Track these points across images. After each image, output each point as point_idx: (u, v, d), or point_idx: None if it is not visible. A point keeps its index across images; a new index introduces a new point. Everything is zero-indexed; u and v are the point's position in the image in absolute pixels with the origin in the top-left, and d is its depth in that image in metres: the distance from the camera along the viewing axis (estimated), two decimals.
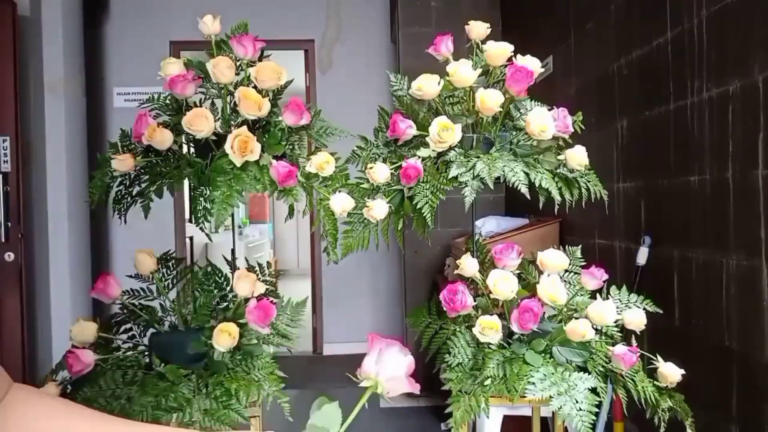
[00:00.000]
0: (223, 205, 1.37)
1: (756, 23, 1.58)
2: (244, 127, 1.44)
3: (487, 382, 1.39)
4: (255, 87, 1.48)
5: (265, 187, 1.45)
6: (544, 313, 1.46)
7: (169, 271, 1.61)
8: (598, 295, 1.52)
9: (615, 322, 1.48)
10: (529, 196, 1.44)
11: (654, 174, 2.13)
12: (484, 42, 1.58)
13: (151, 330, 1.54)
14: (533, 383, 1.37)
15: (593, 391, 1.37)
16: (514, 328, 1.44)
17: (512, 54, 1.54)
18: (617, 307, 1.50)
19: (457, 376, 1.44)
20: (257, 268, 1.70)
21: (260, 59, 1.56)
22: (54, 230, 3.90)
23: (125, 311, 1.56)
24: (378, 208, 1.47)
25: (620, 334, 1.52)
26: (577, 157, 1.51)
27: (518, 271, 1.56)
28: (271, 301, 1.50)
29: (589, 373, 1.40)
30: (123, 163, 1.48)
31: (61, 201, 3.91)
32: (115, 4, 4.66)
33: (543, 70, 1.66)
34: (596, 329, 1.47)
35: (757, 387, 1.60)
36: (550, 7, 3.15)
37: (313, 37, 4.81)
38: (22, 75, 3.65)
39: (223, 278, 1.64)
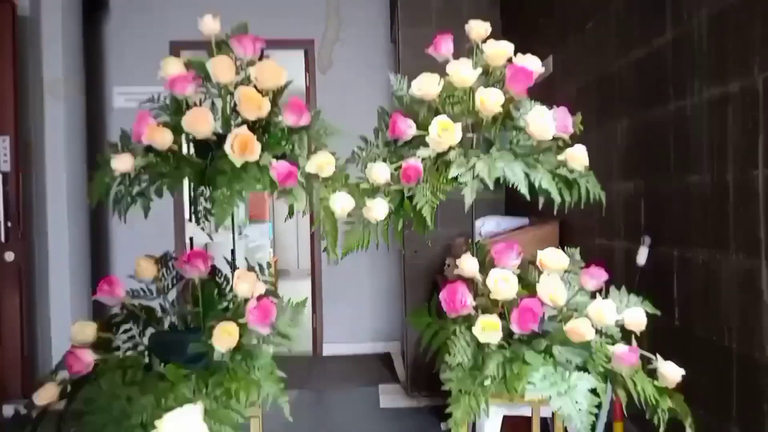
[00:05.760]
0: (223, 205, 1.37)
1: (756, 23, 1.58)
2: (244, 127, 1.44)
3: (487, 382, 1.39)
4: (255, 87, 1.48)
5: (265, 187, 1.45)
6: (544, 313, 1.46)
7: (168, 271, 1.61)
8: (598, 295, 1.52)
9: (615, 322, 1.48)
10: (528, 197, 1.44)
11: (654, 174, 2.13)
12: (484, 42, 1.58)
13: (151, 330, 1.54)
14: (533, 383, 1.37)
15: (593, 391, 1.37)
16: (514, 328, 1.44)
17: (512, 54, 1.54)
18: (617, 308, 1.50)
19: (457, 376, 1.44)
20: (257, 268, 1.70)
21: (260, 59, 1.56)
22: (54, 230, 3.90)
23: (125, 311, 1.56)
24: (378, 209, 1.47)
25: (620, 334, 1.52)
26: (578, 157, 1.51)
27: (518, 271, 1.56)
28: (271, 301, 1.50)
29: (589, 373, 1.40)
30: (123, 163, 1.48)
31: (61, 201, 3.91)
32: (115, 4, 4.66)
33: (543, 70, 1.66)
34: (596, 329, 1.47)
35: (757, 387, 1.60)
36: (550, 7, 3.15)
37: (313, 37, 4.81)
38: (21, 75, 3.65)
39: (223, 278, 1.64)
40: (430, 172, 1.51)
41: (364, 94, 4.55)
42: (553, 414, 1.50)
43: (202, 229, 1.59)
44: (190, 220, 5.12)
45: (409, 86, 1.58)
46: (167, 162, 1.48)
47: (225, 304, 1.56)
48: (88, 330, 1.45)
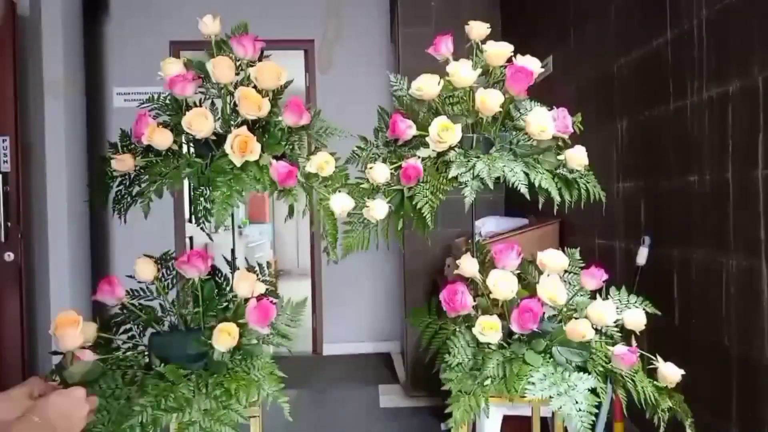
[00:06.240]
0: (223, 205, 1.37)
1: (756, 23, 1.58)
2: (244, 127, 1.44)
3: (487, 382, 1.39)
4: (255, 87, 1.48)
5: (265, 187, 1.45)
6: (544, 313, 1.46)
7: (168, 271, 1.61)
8: (597, 295, 1.52)
9: (615, 322, 1.48)
10: (528, 197, 1.44)
11: (654, 174, 2.13)
12: (484, 42, 1.58)
13: (151, 330, 1.54)
14: (533, 383, 1.37)
15: (593, 391, 1.37)
16: (514, 328, 1.44)
17: (512, 54, 1.54)
18: (617, 308, 1.50)
19: (457, 376, 1.44)
20: (257, 268, 1.70)
21: (260, 59, 1.56)
22: (54, 230, 3.89)
23: (125, 311, 1.56)
24: (378, 208, 1.47)
25: (620, 334, 1.52)
26: (577, 157, 1.51)
27: (518, 271, 1.56)
28: (271, 301, 1.50)
29: (589, 373, 1.40)
30: (123, 163, 1.48)
31: (61, 201, 3.91)
32: (115, 4, 4.66)
33: (543, 70, 1.66)
34: (596, 329, 1.47)
35: (757, 387, 1.60)
36: (550, 7, 3.15)
37: (313, 37, 4.81)
38: (21, 75, 3.64)
39: (223, 278, 1.64)
40: (430, 172, 1.51)
41: (364, 94, 4.55)
42: (553, 414, 1.50)
43: (202, 229, 1.57)
44: (190, 220, 5.12)
45: (408, 86, 1.58)
46: (167, 162, 1.48)
47: (225, 304, 1.56)
48: (88, 330, 1.45)
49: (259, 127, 1.52)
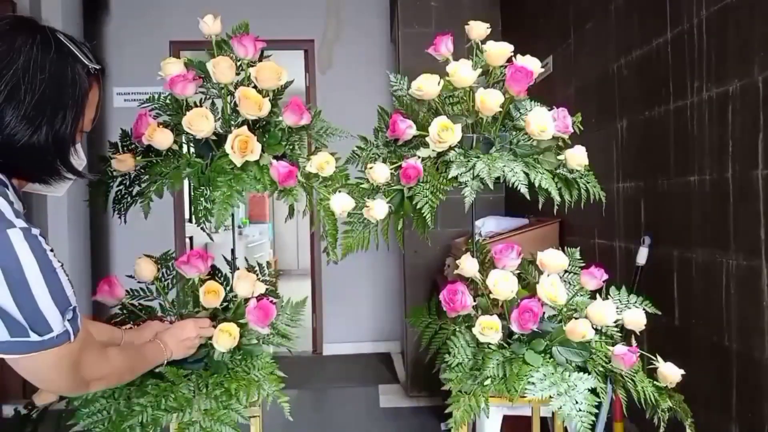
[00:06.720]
0: (224, 205, 1.37)
1: (756, 23, 1.58)
2: (244, 127, 1.44)
3: (487, 382, 1.40)
4: (255, 87, 1.48)
5: (265, 187, 1.45)
6: (544, 313, 1.46)
7: (168, 271, 1.61)
8: (597, 295, 1.52)
9: (615, 322, 1.48)
10: (528, 197, 1.44)
11: (654, 174, 2.13)
12: (484, 42, 1.58)
13: None
14: (533, 383, 1.37)
15: (593, 391, 1.37)
16: (514, 328, 1.44)
17: (512, 54, 1.54)
18: (617, 307, 1.50)
19: (457, 376, 1.44)
20: (257, 268, 1.70)
21: (260, 59, 1.56)
22: (54, 230, 3.89)
23: (125, 311, 1.56)
24: (378, 208, 1.47)
25: (620, 334, 1.52)
26: (577, 157, 1.51)
27: (518, 271, 1.56)
28: (271, 301, 1.50)
29: (589, 373, 1.40)
30: (123, 163, 1.48)
31: (61, 201, 3.91)
32: (115, 4, 4.66)
33: (543, 70, 1.66)
34: (596, 329, 1.47)
35: (757, 387, 1.60)
36: (550, 7, 3.15)
37: (313, 37, 4.80)
38: None
39: (222, 278, 1.64)
40: (430, 172, 1.51)
41: (364, 94, 4.54)
42: (553, 414, 1.50)
43: (202, 229, 1.58)
44: (190, 220, 5.11)
45: (408, 86, 1.58)
46: (167, 162, 1.48)
47: (225, 304, 1.56)
48: None
49: (259, 127, 1.52)
